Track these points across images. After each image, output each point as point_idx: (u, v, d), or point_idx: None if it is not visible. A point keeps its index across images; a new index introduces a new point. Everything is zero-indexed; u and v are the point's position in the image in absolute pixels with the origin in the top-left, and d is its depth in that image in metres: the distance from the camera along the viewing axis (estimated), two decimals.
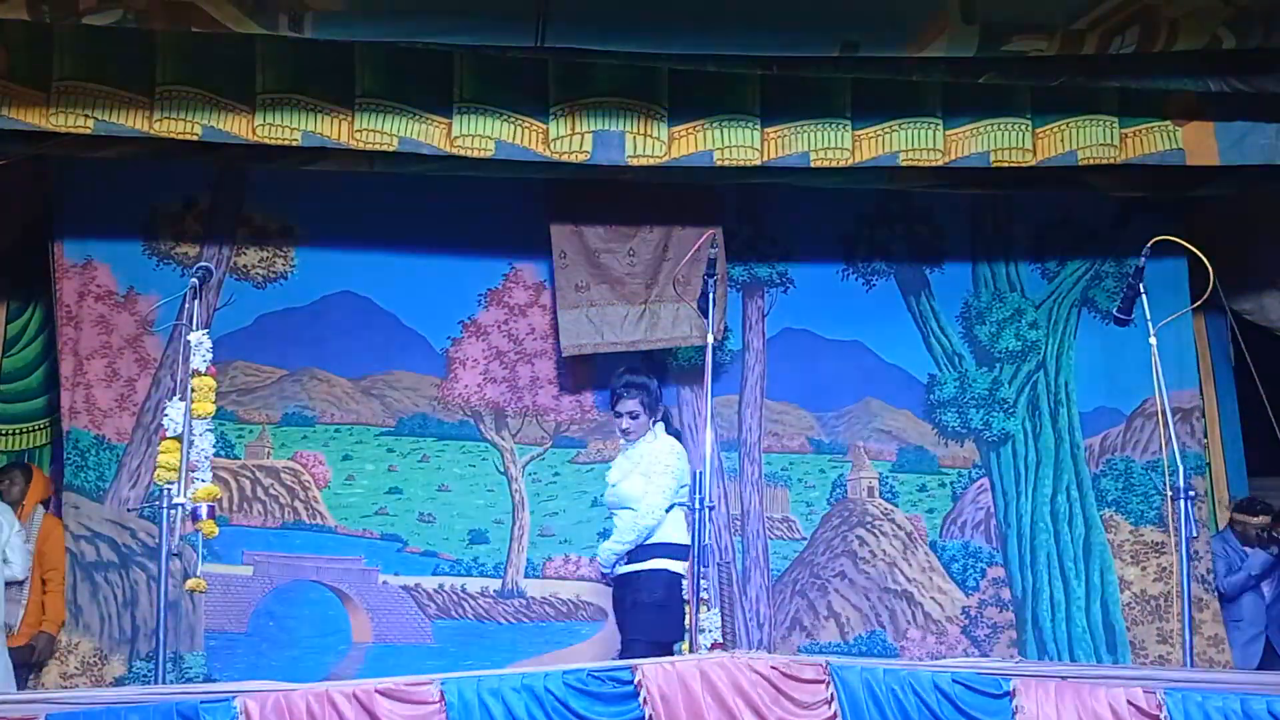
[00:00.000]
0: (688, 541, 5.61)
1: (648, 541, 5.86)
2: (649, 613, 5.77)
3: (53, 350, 7.60)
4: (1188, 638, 5.24)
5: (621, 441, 6.19)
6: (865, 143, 6.52)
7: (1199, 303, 6.15)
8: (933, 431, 7.87)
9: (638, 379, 6.10)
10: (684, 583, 5.72)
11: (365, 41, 6.06)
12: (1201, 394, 7.92)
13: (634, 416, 6.02)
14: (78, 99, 6.03)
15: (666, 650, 5.58)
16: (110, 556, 7.26)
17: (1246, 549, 7.57)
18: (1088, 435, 7.84)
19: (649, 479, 5.88)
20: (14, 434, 7.84)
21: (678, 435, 6.27)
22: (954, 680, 4.37)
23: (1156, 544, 7.65)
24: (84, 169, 7.29)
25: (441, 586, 7.47)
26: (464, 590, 7.50)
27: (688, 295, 6.68)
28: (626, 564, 5.92)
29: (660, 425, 6.12)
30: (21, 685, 6.85)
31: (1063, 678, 4.42)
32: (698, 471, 5.42)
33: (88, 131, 6.09)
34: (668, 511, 5.89)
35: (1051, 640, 7.58)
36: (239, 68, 6.14)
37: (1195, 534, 5.32)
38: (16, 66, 6.00)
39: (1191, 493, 5.36)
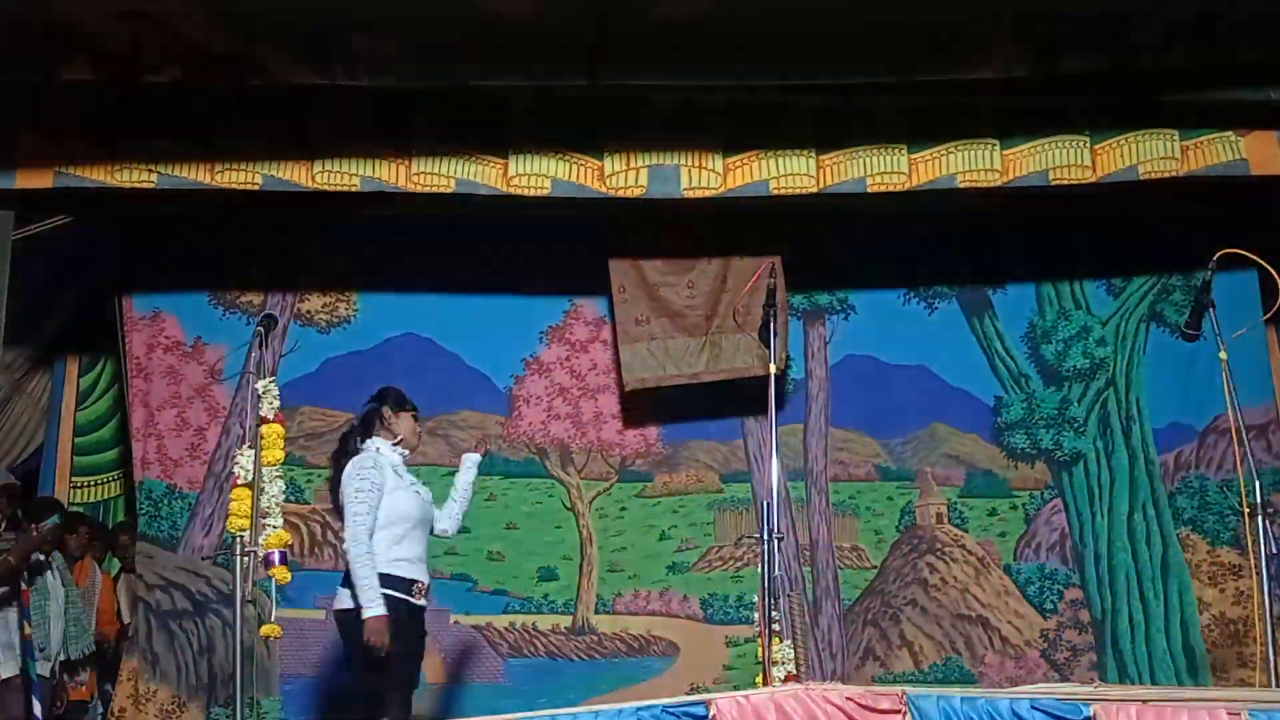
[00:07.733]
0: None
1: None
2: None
3: (124, 403, 7.72)
4: (1270, 657, 5.12)
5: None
6: (921, 166, 6.47)
7: (1269, 315, 6.02)
8: (1001, 454, 7.79)
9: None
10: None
11: (419, 86, 6.12)
12: (1277, 408, 7.76)
13: None
14: (140, 155, 6.12)
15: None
16: (185, 605, 7.35)
17: None
18: (1161, 452, 7.72)
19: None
20: (88, 486, 7.98)
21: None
22: (1033, 707, 4.30)
23: (1234, 566, 7.50)
24: (148, 222, 7.42)
25: (513, 625, 7.48)
26: (535, 628, 7.50)
27: (748, 325, 6.65)
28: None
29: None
30: None
31: (1143, 701, 4.34)
32: (764, 502, 5.37)
33: (151, 186, 6.18)
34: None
35: (1132, 663, 7.46)
36: (296, 117, 6.23)
37: (1275, 551, 5.19)
38: (81, 126, 6.12)
39: (1271, 509, 5.24)
